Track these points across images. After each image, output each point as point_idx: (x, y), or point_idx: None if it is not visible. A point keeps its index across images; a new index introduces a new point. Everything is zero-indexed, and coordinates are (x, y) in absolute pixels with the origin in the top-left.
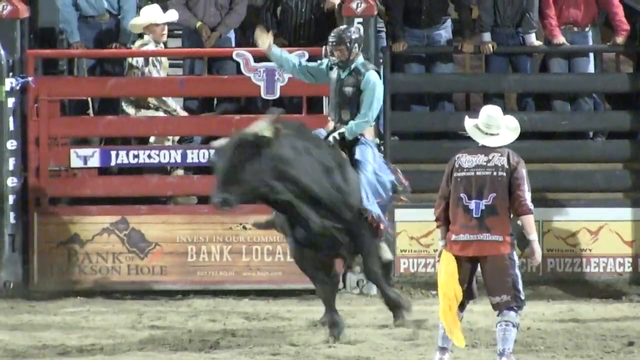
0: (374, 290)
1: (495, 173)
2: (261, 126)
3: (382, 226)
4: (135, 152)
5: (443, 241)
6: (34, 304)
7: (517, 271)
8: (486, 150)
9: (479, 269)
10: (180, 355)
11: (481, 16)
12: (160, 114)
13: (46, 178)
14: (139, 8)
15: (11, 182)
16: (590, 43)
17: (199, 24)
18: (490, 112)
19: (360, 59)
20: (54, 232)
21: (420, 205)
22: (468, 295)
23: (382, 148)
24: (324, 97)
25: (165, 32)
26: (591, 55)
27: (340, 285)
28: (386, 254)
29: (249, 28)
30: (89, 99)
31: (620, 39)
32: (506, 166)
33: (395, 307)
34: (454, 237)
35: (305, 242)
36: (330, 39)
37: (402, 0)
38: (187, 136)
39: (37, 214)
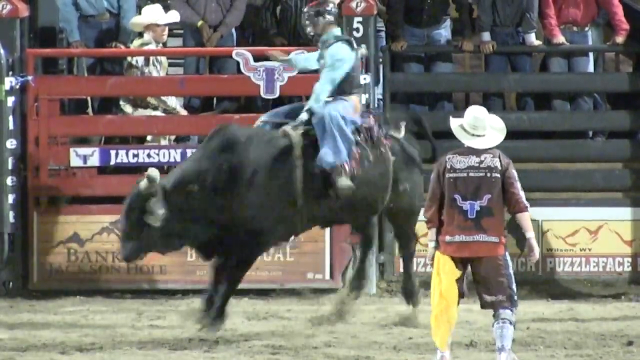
0: (373, 289)
1: (489, 174)
2: (142, 184)
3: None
4: (135, 152)
5: (434, 242)
6: (33, 303)
7: (511, 271)
8: (477, 151)
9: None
10: (179, 354)
11: (480, 16)
12: (159, 112)
13: (46, 177)
14: (139, 7)
15: (11, 181)
16: (590, 42)
17: (200, 23)
18: (477, 113)
19: (334, 32)
20: (53, 231)
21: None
22: (459, 295)
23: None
24: None
25: (166, 32)
26: (591, 54)
27: (340, 284)
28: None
29: (248, 27)
30: (89, 98)
31: (619, 39)
32: (499, 167)
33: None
34: (448, 238)
35: None
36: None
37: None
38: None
39: (37, 213)
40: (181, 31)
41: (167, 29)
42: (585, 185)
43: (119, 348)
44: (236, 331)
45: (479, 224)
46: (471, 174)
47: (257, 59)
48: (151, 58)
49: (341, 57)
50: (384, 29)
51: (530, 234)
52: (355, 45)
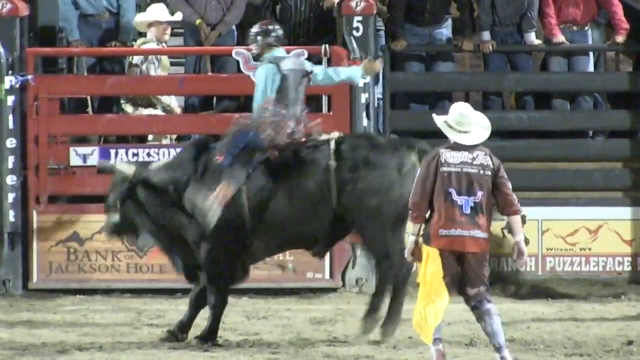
0: (372, 288)
1: (482, 172)
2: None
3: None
4: (135, 150)
5: (414, 236)
6: (33, 302)
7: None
8: (468, 147)
9: None
10: (179, 353)
11: (480, 15)
12: (159, 111)
13: (45, 176)
14: (138, 6)
15: (10, 180)
16: (590, 42)
17: (198, 21)
18: (462, 110)
19: (273, 52)
20: (53, 230)
21: None
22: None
23: None
24: (323, 96)
25: (169, 31)
26: (591, 54)
27: (339, 283)
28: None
29: (248, 27)
30: (89, 97)
31: (619, 38)
32: (491, 166)
33: None
34: (444, 231)
35: None
36: None
37: None
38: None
39: (37, 212)
40: (182, 30)
41: (169, 28)
42: (585, 185)
43: (118, 347)
44: (236, 330)
45: (473, 220)
46: (465, 170)
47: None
48: (150, 56)
49: (257, 80)
50: (383, 28)
51: (520, 237)
52: (284, 63)
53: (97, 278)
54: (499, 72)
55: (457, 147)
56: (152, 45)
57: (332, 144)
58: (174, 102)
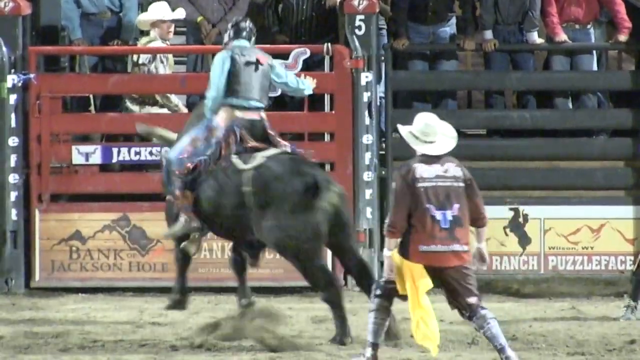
0: None
1: (455, 184)
2: None
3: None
4: (137, 149)
5: (390, 251)
6: (35, 301)
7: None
8: (438, 159)
9: None
10: (181, 352)
11: (482, 14)
12: (164, 111)
13: (48, 175)
14: (140, 5)
15: (13, 178)
16: (593, 40)
17: (199, 18)
18: (427, 120)
19: (229, 45)
20: (55, 228)
21: None
22: None
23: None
24: (325, 95)
25: (172, 29)
26: (594, 52)
27: (342, 282)
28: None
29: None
30: (91, 96)
31: (622, 37)
32: (462, 176)
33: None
34: (424, 247)
35: None
36: None
37: None
38: None
39: (39, 211)
40: (184, 29)
41: (173, 26)
42: (587, 184)
43: (121, 346)
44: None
45: (452, 234)
46: (440, 183)
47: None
48: (158, 55)
49: (212, 73)
50: (385, 26)
51: (484, 244)
52: (240, 50)
53: (99, 277)
54: (502, 71)
55: (427, 160)
56: (158, 44)
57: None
58: (181, 104)
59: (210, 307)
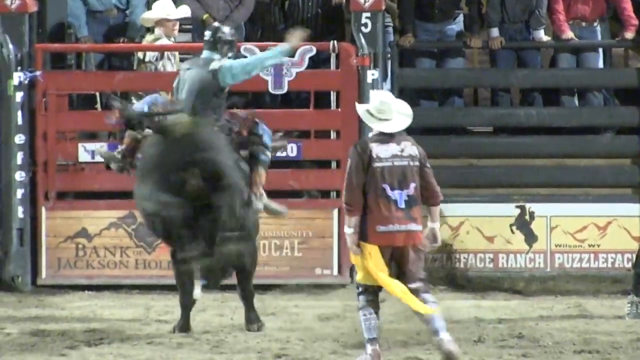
0: None
1: (411, 163)
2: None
3: None
4: None
5: (352, 229)
6: (42, 298)
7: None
8: (394, 138)
9: None
10: (187, 349)
11: (488, 12)
12: None
13: (54, 172)
14: (147, 2)
15: (19, 176)
16: (599, 38)
17: (205, 16)
18: (383, 98)
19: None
20: (61, 226)
21: None
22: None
23: None
24: (331, 92)
25: (177, 27)
26: (600, 50)
27: (348, 280)
28: None
29: (259, 21)
30: (97, 94)
31: (629, 34)
32: (418, 155)
33: None
34: (382, 228)
35: None
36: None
37: None
38: None
39: (45, 209)
40: (190, 26)
41: (177, 24)
42: (594, 181)
43: (127, 343)
44: (244, 326)
45: (409, 213)
46: (396, 163)
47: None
48: (165, 52)
49: None
50: (391, 24)
51: (437, 224)
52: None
53: (106, 274)
54: (508, 69)
55: (384, 139)
56: (163, 42)
57: None
58: None
59: (217, 304)
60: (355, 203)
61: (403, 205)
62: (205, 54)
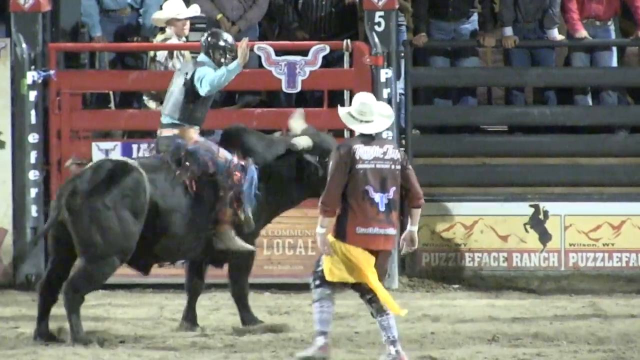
0: (395, 284)
1: (393, 166)
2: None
3: None
4: None
5: (324, 229)
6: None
7: None
8: (378, 141)
9: None
10: (201, 348)
11: (502, 11)
12: None
13: (68, 171)
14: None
15: (33, 175)
16: (613, 37)
17: (219, 16)
18: (363, 99)
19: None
20: None
21: (441, 199)
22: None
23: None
24: (345, 92)
25: (187, 26)
26: (614, 49)
27: None
28: None
29: (272, 21)
30: (111, 93)
31: None
32: (400, 159)
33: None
34: (362, 230)
35: None
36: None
37: None
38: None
39: None
40: (203, 25)
41: (188, 23)
42: (608, 180)
43: (141, 342)
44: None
45: (388, 217)
46: (378, 166)
47: (278, 53)
48: (175, 52)
49: None
50: (404, 23)
51: (415, 227)
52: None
53: (120, 273)
54: (522, 68)
55: (367, 141)
56: (174, 41)
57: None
58: None
59: (230, 303)
60: (332, 204)
61: (384, 209)
62: (200, 57)
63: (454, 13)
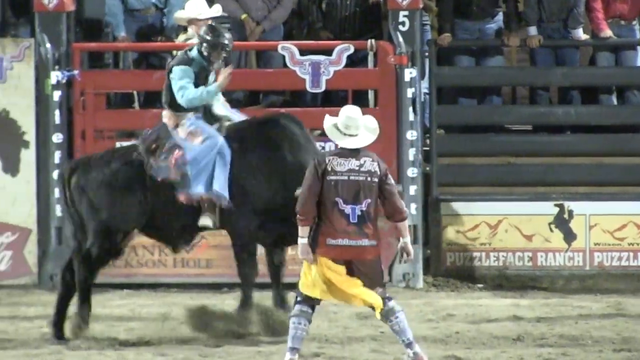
0: (420, 283)
1: (369, 179)
2: None
3: None
4: None
5: (305, 239)
6: None
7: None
8: (356, 154)
9: None
10: (226, 347)
11: (526, 11)
12: None
13: None
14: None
15: (57, 175)
16: (638, 36)
17: (244, 16)
18: (350, 113)
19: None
20: None
21: (466, 198)
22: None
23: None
24: (369, 91)
25: None
26: (638, 48)
27: (386, 278)
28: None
29: (297, 20)
30: (135, 92)
31: None
32: (378, 172)
33: None
34: (332, 241)
35: None
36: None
37: None
38: None
39: None
40: (227, 25)
41: (210, 22)
42: (633, 180)
43: (166, 342)
44: (280, 324)
45: (361, 229)
46: (352, 177)
47: (303, 52)
48: None
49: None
50: (428, 22)
51: (408, 238)
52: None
53: (144, 273)
54: (546, 67)
55: (344, 153)
56: (196, 41)
57: None
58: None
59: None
60: (306, 213)
61: (355, 220)
62: (192, 52)
63: (478, 12)
